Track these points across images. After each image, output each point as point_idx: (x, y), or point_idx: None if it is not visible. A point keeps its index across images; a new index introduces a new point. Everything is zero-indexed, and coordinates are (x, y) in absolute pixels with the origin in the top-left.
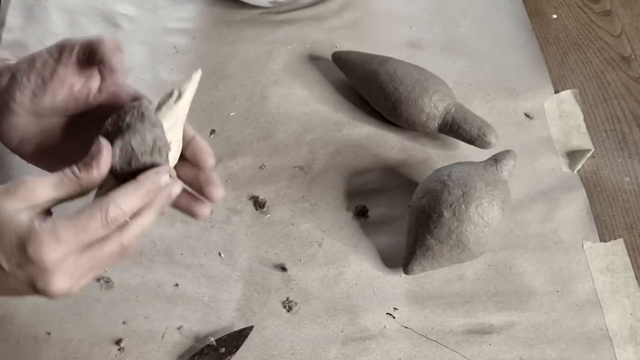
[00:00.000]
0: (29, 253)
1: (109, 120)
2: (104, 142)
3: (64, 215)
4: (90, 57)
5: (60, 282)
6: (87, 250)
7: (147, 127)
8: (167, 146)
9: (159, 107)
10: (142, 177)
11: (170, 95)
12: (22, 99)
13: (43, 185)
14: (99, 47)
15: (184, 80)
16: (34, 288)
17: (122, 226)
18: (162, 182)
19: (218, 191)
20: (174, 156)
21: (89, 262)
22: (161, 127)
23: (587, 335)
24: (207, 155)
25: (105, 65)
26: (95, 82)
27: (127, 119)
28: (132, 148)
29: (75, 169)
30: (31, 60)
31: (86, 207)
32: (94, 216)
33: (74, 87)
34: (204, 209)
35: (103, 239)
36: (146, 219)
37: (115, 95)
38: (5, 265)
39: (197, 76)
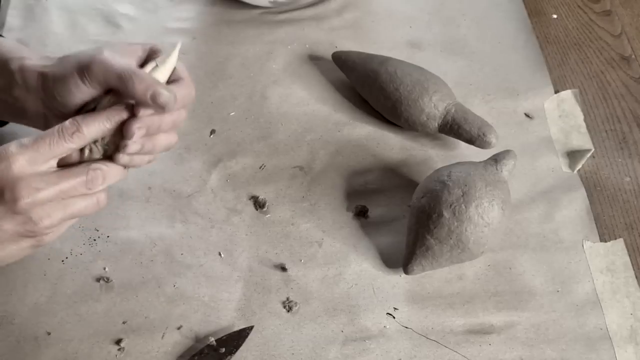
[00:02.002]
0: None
1: None
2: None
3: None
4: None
5: (24, 187)
6: (60, 171)
7: None
8: None
9: None
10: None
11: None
12: (54, 104)
13: (24, 155)
14: (128, 85)
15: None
16: (2, 197)
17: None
18: (124, 114)
19: (163, 95)
20: None
21: (62, 184)
22: None
23: (587, 335)
24: (136, 77)
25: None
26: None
27: None
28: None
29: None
30: (63, 82)
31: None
32: (53, 129)
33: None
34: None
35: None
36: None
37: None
38: None
39: (175, 50)
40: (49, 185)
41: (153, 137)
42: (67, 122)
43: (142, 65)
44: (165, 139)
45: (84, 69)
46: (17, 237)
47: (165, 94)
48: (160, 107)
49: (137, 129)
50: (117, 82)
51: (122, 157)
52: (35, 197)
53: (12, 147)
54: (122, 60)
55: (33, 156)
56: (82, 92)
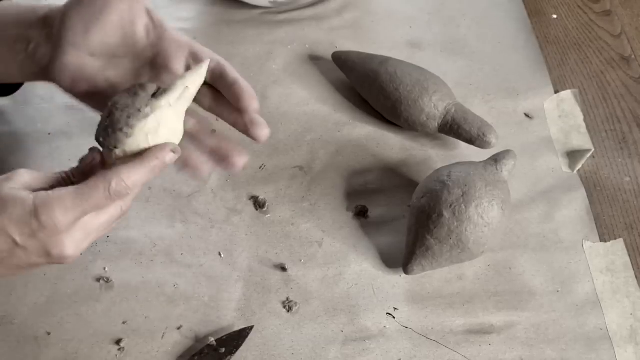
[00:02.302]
0: (42, 220)
1: (115, 97)
2: (96, 156)
3: (70, 187)
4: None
5: (71, 245)
6: (91, 215)
7: (128, 103)
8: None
9: (159, 94)
10: (147, 154)
11: (170, 89)
12: (74, 39)
13: (39, 180)
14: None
15: (188, 73)
16: (48, 255)
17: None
18: (167, 160)
19: (264, 130)
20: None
21: (92, 226)
22: (145, 117)
23: (587, 335)
24: (250, 98)
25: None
26: (142, 20)
27: (116, 98)
28: (111, 122)
29: (69, 173)
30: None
31: (91, 179)
32: (97, 188)
33: (123, 15)
34: (240, 159)
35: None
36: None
37: (162, 48)
38: (18, 238)
39: (202, 69)
40: (89, 234)
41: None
42: (113, 182)
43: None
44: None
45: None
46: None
47: (265, 129)
48: (256, 138)
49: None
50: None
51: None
52: (80, 248)
53: (55, 206)
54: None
55: (77, 216)
56: (105, 3)
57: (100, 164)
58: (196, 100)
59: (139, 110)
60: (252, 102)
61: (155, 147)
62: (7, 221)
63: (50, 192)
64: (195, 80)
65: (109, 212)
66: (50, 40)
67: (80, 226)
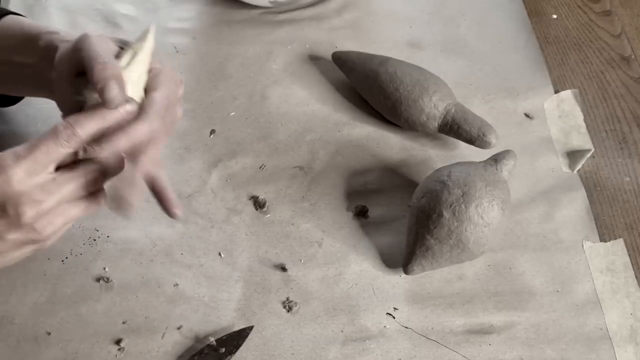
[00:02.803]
0: None
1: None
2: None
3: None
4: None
5: (27, 201)
6: (57, 177)
7: None
8: None
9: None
10: (100, 105)
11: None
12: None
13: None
14: (90, 71)
15: (135, 41)
16: (4, 211)
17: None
18: (121, 110)
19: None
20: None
21: (60, 190)
22: None
23: (587, 335)
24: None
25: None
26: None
27: None
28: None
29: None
30: (65, 51)
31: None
32: (45, 135)
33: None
34: (177, 211)
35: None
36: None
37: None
38: None
39: (149, 35)
40: (49, 195)
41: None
42: (60, 126)
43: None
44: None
45: (74, 48)
46: (21, 245)
47: (113, 90)
48: (106, 102)
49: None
50: (87, 65)
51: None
52: (38, 210)
53: (8, 159)
54: (107, 45)
55: (31, 166)
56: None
57: None
58: None
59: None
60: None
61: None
62: None
63: (3, 152)
64: (142, 46)
65: (74, 178)
66: (51, 70)
67: (38, 185)
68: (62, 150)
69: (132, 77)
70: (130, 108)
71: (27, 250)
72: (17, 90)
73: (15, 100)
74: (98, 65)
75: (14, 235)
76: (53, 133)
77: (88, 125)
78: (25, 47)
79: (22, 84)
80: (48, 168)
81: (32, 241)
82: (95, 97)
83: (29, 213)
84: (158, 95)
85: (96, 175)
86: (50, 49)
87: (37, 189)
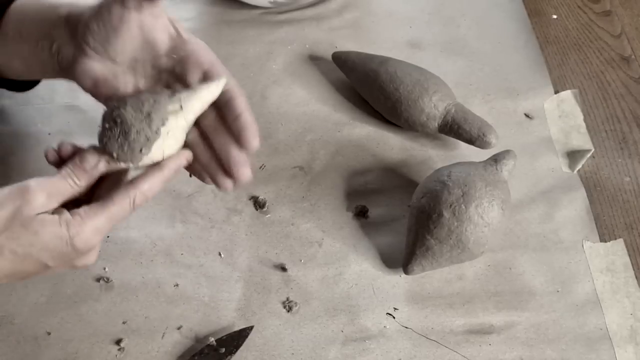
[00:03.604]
0: (77, 247)
1: (115, 103)
2: (96, 159)
3: (95, 204)
4: None
5: (95, 254)
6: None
7: (144, 123)
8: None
9: (172, 107)
10: (165, 165)
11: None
12: (96, 45)
13: (51, 193)
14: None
15: (204, 87)
16: (74, 267)
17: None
18: (181, 167)
19: (244, 171)
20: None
21: (105, 231)
22: (158, 125)
23: (587, 335)
24: (253, 136)
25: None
26: (162, 32)
27: (128, 109)
28: (127, 141)
29: (74, 179)
30: (99, 10)
31: (115, 195)
32: (123, 204)
33: (142, 27)
34: (228, 183)
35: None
36: None
37: (182, 59)
38: (51, 263)
39: (218, 86)
40: (103, 236)
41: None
42: (137, 198)
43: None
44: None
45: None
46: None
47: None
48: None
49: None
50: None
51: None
52: (96, 251)
53: (87, 228)
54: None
55: (102, 229)
56: (122, 17)
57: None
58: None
59: (156, 132)
60: (252, 141)
61: (171, 158)
62: (42, 252)
63: (81, 216)
64: (207, 95)
65: (118, 211)
66: (74, 42)
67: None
68: (131, 211)
69: (189, 119)
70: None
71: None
72: (37, 70)
73: (31, 84)
74: (251, 132)
75: (64, 269)
76: (129, 204)
77: (157, 190)
78: (43, 18)
79: (43, 63)
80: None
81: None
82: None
83: (91, 261)
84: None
85: (144, 197)
86: (71, 16)
87: (100, 238)
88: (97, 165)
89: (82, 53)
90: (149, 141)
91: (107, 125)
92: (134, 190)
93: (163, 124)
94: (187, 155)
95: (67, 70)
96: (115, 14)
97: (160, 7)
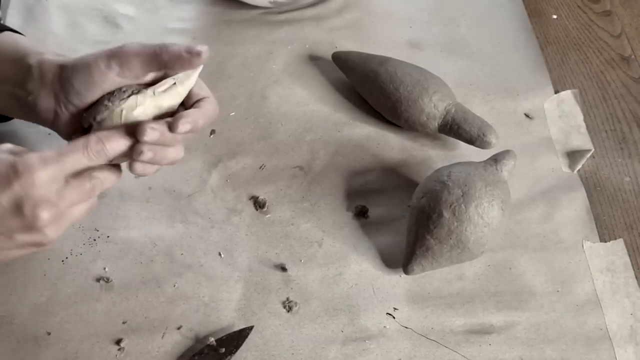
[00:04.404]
0: (19, 170)
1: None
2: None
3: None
4: (152, 64)
5: (47, 208)
6: (69, 183)
7: (118, 94)
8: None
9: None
10: (127, 126)
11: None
12: (80, 100)
13: (19, 148)
14: (164, 56)
15: (182, 74)
16: (20, 211)
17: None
18: (146, 135)
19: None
20: None
21: (70, 196)
22: (127, 97)
23: (587, 335)
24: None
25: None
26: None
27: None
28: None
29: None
30: (81, 66)
31: (71, 142)
32: (76, 146)
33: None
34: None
35: (82, 177)
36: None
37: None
38: None
39: (195, 73)
40: (63, 200)
41: (164, 148)
42: (92, 141)
43: (157, 81)
44: (175, 152)
45: (113, 54)
46: (24, 246)
47: (200, 47)
48: (197, 56)
49: (152, 131)
50: (152, 56)
51: (137, 166)
52: (53, 214)
53: (34, 160)
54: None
55: (55, 173)
56: (105, 79)
57: None
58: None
59: (124, 92)
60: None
61: (138, 122)
62: None
63: (30, 153)
64: (184, 81)
65: (83, 186)
66: (52, 97)
67: (55, 191)
68: (87, 163)
69: (163, 104)
70: (153, 136)
71: (27, 252)
72: (16, 113)
73: (6, 118)
74: (168, 47)
75: (22, 237)
76: (84, 145)
77: (117, 142)
78: (15, 64)
79: (21, 109)
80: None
81: (37, 244)
82: (116, 112)
83: (44, 217)
84: (202, 111)
85: (98, 183)
86: (42, 66)
87: (54, 194)
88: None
89: (64, 107)
90: (113, 96)
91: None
92: (91, 135)
93: (132, 90)
94: (153, 123)
95: (48, 122)
96: (98, 75)
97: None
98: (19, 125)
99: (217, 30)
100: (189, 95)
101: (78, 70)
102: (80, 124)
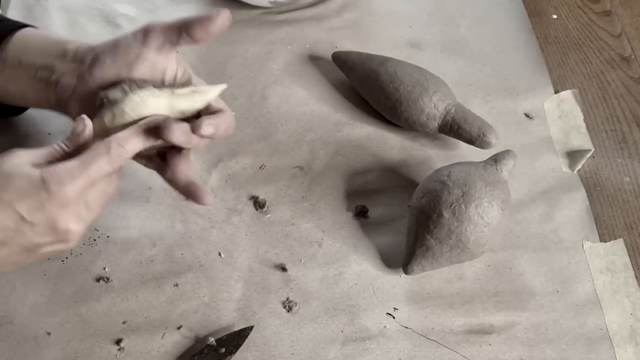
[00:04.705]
0: (51, 190)
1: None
2: (87, 121)
3: (72, 159)
4: (176, 37)
5: (77, 219)
6: (93, 186)
7: (140, 84)
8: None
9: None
10: (143, 121)
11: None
12: (103, 79)
13: (36, 156)
14: (187, 19)
15: (205, 86)
16: (54, 229)
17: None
18: (167, 133)
19: (205, 197)
20: None
21: (91, 201)
22: (146, 89)
23: (587, 335)
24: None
25: (195, 33)
26: (171, 69)
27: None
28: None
29: (62, 145)
30: (115, 44)
31: (91, 147)
32: (99, 154)
33: (155, 65)
34: (207, 198)
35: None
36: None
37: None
38: (25, 213)
39: (217, 88)
40: (92, 213)
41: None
42: (113, 147)
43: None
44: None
45: (140, 27)
46: (47, 254)
47: (222, 15)
48: (216, 15)
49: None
50: (175, 23)
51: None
52: (83, 226)
53: (63, 175)
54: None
55: (84, 184)
56: (129, 50)
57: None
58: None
59: (144, 82)
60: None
61: (152, 116)
62: (14, 195)
63: (55, 164)
64: (205, 92)
65: (102, 187)
66: (76, 74)
67: (82, 200)
68: (110, 169)
69: (179, 107)
70: (172, 132)
71: (44, 257)
72: (31, 98)
73: (19, 110)
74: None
75: (50, 248)
76: (105, 151)
77: (135, 146)
78: (47, 49)
79: (38, 92)
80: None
81: (56, 253)
82: (130, 97)
83: (77, 231)
84: (223, 118)
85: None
86: (79, 51)
87: (84, 207)
88: (84, 131)
89: (84, 86)
90: (135, 84)
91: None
92: (109, 140)
93: (151, 85)
94: (168, 119)
95: (62, 101)
96: (133, 51)
97: (174, 52)
98: (19, 125)
99: None
100: (207, 108)
101: (106, 44)
102: (90, 106)
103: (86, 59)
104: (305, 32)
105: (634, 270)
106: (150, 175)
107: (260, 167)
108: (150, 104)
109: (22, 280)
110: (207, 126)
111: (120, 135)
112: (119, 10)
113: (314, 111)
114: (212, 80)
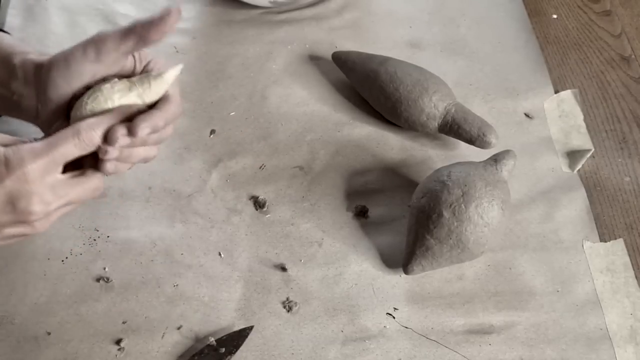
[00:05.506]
0: (10, 164)
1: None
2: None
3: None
4: (127, 41)
5: (39, 201)
6: (63, 181)
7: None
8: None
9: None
10: (118, 108)
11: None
12: (61, 98)
13: (7, 138)
14: (137, 28)
15: (166, 72)
16: (13, 206)
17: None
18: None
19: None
20: None
21: (62, 191)
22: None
23: (587, 335)
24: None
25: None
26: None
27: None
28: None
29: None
30: (66, 63)
31: (59, 132)
32: (66, 136)
33: (111, 71)
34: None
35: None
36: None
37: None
38: None
39: (175, 70)
40: (59, 198)
41: (129, 149)
42: (82, 129)
43: (131, 75)
44: (144, 151)
45: (88, 41)
46: (10, 237)
47: (173, 14)
48: (167, 15)
49: (121, 136)
50: (125, 32)
51: (107, 165)
52: (46, 210)
53: (25, 153)
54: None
55: (47, 165)
56: (82, 68)
57: None
58: None
59: (100, 83)
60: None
61: (123, 105)
62: None
63: (20, 144)
64: (162, 76)
65: (81, 183)
66: (35, 98)
67: (49, 186)
68: (78, 152)
69: (143, 95)
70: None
71: (10, 243)
72: (3, 109)
73: None
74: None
75: (11, 230)
76: (74, 134)
77: (104, 130)
78: (1, 64)
79: (7, 107)
80: (59, 168)
81: (23, 236)
82: (100, 97)
83: (38, 212)
84: (161, 113)
85: (100, 179)
86: (25, 66)
87: (48, 189)
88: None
89: (45, 107)
90: (100, 85)
91: None
92: (80, 123)
93: (116, 80)
94: (139, 107)
95: (30, 119)
96: (86, 70)
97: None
98: (19, 125)
99: (217, 30)
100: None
101: (57, 63)
102: (59, 116)
103: (40, 82)
104: (305, 32)
105: (634, 270)
106: (150, 176)
107: (260, 167)
108: (115, 98)
109: (22, 280)
110: (143, 129)
111: (90, 120)
112: (119, 10)
113: (314, 111)
114: (212, 80)
